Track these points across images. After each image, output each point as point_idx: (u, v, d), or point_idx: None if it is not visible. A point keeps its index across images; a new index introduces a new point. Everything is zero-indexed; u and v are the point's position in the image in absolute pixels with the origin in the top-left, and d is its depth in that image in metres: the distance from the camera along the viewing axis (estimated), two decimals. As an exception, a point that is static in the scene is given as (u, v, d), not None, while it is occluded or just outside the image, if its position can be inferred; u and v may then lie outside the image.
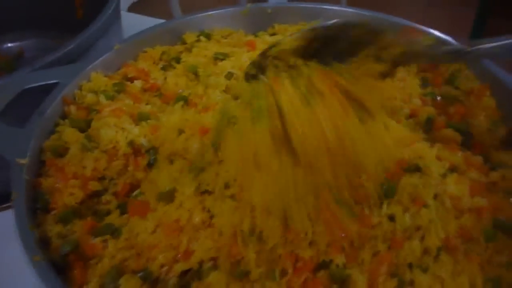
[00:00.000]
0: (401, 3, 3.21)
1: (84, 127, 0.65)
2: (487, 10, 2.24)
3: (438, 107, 0.69)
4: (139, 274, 0.49)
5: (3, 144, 0.61)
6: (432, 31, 0.79)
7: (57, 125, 0.66)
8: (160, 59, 0.80)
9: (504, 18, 2.95)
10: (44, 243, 0.52)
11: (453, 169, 0.58)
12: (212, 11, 0.84)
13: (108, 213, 0.56)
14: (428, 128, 0.65)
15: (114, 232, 0.52)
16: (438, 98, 0.71)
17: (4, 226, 0.82)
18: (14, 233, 0.79)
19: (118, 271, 0.49)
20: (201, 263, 0.49)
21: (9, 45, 1.25)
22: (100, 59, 0.76)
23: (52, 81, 0.71)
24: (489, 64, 0.71)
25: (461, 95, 0.72)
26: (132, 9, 2.88)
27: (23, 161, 0.58)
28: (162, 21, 1.18)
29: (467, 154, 0.61)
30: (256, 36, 0.84)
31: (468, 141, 0.64)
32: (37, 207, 0.56)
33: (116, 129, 0.61)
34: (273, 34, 0.84)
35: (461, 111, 0.70)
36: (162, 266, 0.49)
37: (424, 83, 0.74)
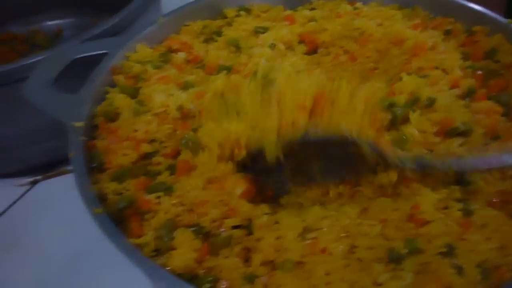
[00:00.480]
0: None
1: (133, 93, 0.68)
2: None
3: (478, 80, 0.70)
4: (192, 229, 0.51)
5: (59, 109, 0.64)
6: (461, 1, 0.79)
7: (106, 92, 0.69)
8: (201, 33, 0.82)
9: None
10: (101, 199, 0.55)
11: (495, 137, 0.59)
12: (254, -14, 0.86)
13: (159, 173, 0.58)
14: (469, 99, 0.66)
15: (167, 189, 0.54)
16: (479, 72, 0.71)
17: (52, 194, 0.89)
18: (62, 200, 0.86)
19: (173, 225, 0.51)
20: (250, 219, 0.51)
21: (48, 23, 1.29)
22: (145, 31, 0.79)
23: (101, 51, 0.74)
24: (532, 38, 0.71)
25: (501, 68, 0.72)
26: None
27: (79, 124, 0.61)
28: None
29: (508, 125, 0.62)
30: (295, 11, 0.85)
31: (509, 113, 0.64)
32: (92, 167, 0.59)
33: (166, 94, 0.63)
34: (312, 9, 0.85)
35: (501, 84, 0.70)
36: (213, 221, 0.51)
37: (465, 56, 0.74)
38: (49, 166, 0.93)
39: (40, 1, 1.25)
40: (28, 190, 0.91)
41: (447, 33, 0.78)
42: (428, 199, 0.48)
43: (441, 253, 0.45)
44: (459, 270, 0.44)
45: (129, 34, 0.79)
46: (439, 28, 0.78)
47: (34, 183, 0.92)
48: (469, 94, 0.66)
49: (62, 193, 0.87)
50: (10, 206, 0.88)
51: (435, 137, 0.55)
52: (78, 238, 0.79)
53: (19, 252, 0.81)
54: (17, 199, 0.89)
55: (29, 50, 1.22)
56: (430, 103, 0.61)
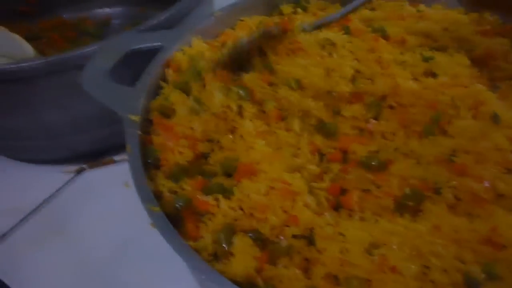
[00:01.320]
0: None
1: (188, 90, 0.66)
2: None
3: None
4: (250, 235, 0.49)
5: (115, 101, 0.63)
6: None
7: (161, 87, 0.68)
8: (257, 28, 0.80)
9: None
10: (156, 196, 0.54)
11: None
12: (311, -18, 0.83)
13: (215, 174, 0.57)
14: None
15: (226, 191, 0.53)
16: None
17: (97, 182, 0.89)
18: (106, 190, 0.86)
19: (231, 229, 0.49)
20: (312, 229, 0.49)
21: (98, 11, 1.29)
22: (200, 25, 0.77)
23: (157, 44, 0.73)
24: None
25: None
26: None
27: (135, 117, 0.60)
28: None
29: None
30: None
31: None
32: (148, 162, 0.58)
33: (225, 94, 0.62)
34: (372, 9, 0.82)
35: None
36: (272, 228, 0.50)
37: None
38: (96, 155, 0.93)
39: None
40: (73, 178, 0.92)
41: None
42: (506, 221, 0.45)
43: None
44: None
45: (183, 27, 0.78)
46: (510, 36, 0.74)
47: (79, 171, 0.92)
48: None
49: (107, 182, 0.88)
50: (56, 193, 0.89)
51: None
52: (122, 229, 0.79)
53: (64, 239, 0.81)
54: (62, 187, 0.90)
55: (77, 37, 1.23)
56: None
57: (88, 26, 1.25)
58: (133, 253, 0.77)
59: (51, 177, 0.92)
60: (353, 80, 0.65)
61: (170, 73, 0.70)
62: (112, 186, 0.80)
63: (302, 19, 0.80)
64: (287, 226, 0.49)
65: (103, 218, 0.83)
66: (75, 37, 1.23)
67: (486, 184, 0.48)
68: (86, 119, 0.86)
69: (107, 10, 1.28)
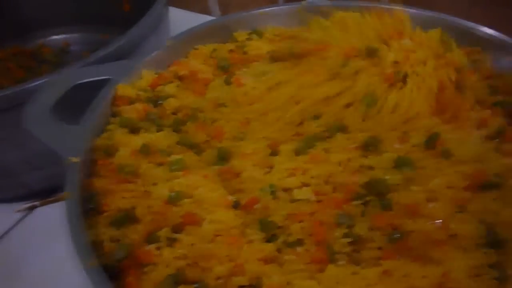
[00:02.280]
0: (444, 2, 3.11)
1: (134, 127, 0.63)
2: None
3: (509, 117, 0.64)
4: (195, 286, 0.46)
5: (55, 139, 0.60)
6: (481, 27, 0.74)
7: (108, 123, 0.65)
8: (211, 57, 0.78)
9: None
10: (96, 246, 0.50)
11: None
12: (267, 8, 0.81)
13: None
14: (499, 140, 0.60)
15: (170, 239, 0.49)
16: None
17: (50, 220, 0.84)
18: (60, 229, 0.81)
19: (174, 281, 0.46)
20: (259, 279, 0.46)
21: (55, 37, 1.25)
22: (151, 56, 0.74)
23: (104, 77, 0.69)
24: None
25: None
26: (169, 3, 2.87)
27: (76, 159, 0.57)
28: (208, 17, 1.17)
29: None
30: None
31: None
32: (89, 208, 0.54)
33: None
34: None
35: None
36: (218, 278, 0.47)
37: (492, 91, 0.69)
38: (51, 192, 0.88)
39: (46, 16, 1.22)
40: (25, 216, 0.87)
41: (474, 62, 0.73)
42: (459, 265, 0.43)
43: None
44: None
45: (136, 57, 0.75)
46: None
47: (31, 208, 0.87)
48: (498, 134, 0.61)
49: (61, 220, 0.84)
50: (6, 232, 0.84)
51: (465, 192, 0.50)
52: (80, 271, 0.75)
53: (18, 284, 0.77)
54: (12, 226, 0.85)
55: (36, 65, 1.19)
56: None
57: (46, 54, 1.21)
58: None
59: (3, 216, 0.87)
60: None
61: (120, 108, 0.67)
62: (52, 230, 0.77)
63: (257, 46, 0.78)
64: (234, 275, 0.46)
65: (58, 259, 0.78)
66: (34, 65, 1.19)
67: (438, 223, 0.46)
68: (40, 156, 0.81)
69: (65, 36, 1.25)
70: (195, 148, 0.61)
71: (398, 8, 0.76)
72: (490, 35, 0.75)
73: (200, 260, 0.47)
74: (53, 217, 0.84)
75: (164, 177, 0.55)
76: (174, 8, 1.36)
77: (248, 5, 3.68)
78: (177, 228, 0.51)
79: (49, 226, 0.83)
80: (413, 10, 0.79)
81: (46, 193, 0.89)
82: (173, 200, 0.51)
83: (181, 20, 1.01)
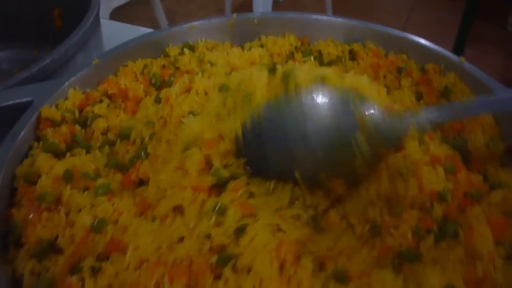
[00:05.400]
0: (384, 9, 3.22)
1: (59, 152, 0.61)
2: (472, 15, 2.24)
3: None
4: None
5: (-28, 169, 0.56)
6: (413, 37, 0.77)
7: (31, 148, 0.62)
8: (142, 73, 0.76)
9: (486, 20, 2.97)
10: (15, 282, 0.48)
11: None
12: (197, 21, 0.81)
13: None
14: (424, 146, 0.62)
15: (94, 269, 0.47)
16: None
17: None
18: None
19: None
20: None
21: (-17, 55, 1.19)
22: (78, 74, 0.72)
23: (26, 99, 0.66)
24: (484, 77, 0.68)
25: (456, 109, 0.69)
26: (114, 15, 2.82)
27: (-6, 190, 0.54)
28: (144, 29, 1.14)
29: (466, 173, 0.58)
30: (242, 48, 0.80)
31: (466, 159, 0.61)
32: (8, 241, 0.52)
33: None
34: (261, 46, 0.81)
35: (457, 127, 0.67)
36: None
37: (418, 96, 0.72)
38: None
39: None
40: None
41: (399, 71, 0.75)
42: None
43: None
44: None
45: (63, 77, 0.72)
46: (392, 66, 0.75)
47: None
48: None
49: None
50: None
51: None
52: None
53: None
54: None
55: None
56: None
57: (-27, 73, 1.15)
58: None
59: None
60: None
61: (44, 132, 0.64)
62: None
63: (190, 60, 0.77)
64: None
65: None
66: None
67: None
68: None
69: (-6, 53, 1.19)
70: (124, 169, 0.60)
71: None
72: (416, 42, 0.77)
73: (126, 289, 0.46)
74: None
75: (88, 203, 0.53)
76: (109, 21, 1.34)
77: (195, 13, 3.66)
78: (102, 256, 0.49)
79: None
80: (336, 19, 0.80)
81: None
82: (96, 228, 0.49)
83: (116, 33, 0.99)
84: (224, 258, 0.45)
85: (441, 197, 0.54)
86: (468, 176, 0.58)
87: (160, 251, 0.47)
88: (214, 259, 0.45)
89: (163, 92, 0.67)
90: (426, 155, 0.58)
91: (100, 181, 0.55)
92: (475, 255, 0.49)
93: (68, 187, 0.54)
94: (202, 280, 0.44)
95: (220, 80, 0.63)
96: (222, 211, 0.48)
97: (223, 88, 0.59)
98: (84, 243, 0.49)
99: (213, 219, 0.47)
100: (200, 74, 0.68)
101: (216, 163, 0.53)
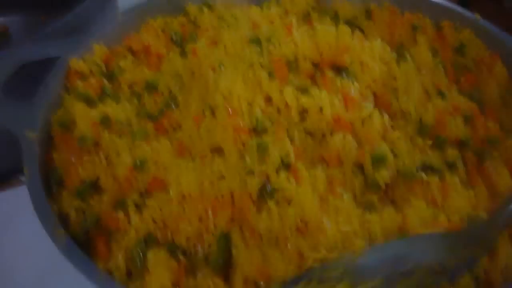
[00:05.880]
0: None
1: (92, 101, 0.63)
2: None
3: (449, 76, 0.69)
4: (166, 248, 0.47)
5: (9, 118, 0.58)
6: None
7: (62, 99, 0.64)
8: (163, 31, 0.77)
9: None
10: (62, 219, 0.50)
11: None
12: (215, -20, 0.81)
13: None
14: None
15: (138, 205, 0.50)
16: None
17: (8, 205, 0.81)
18: (20, 214, 0.79)
19: (145, 245, 0.47)
20: (227, 236, 0.48)
21: (-8, 20, 1.19)
22: (102, 30, 0.73)
23: (54, 53, 0.68)
24: (500, 34, 0.71)
25: (471, 64, 0.72)
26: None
27: (32, 134, 0.56)
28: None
29: (484, 121, 0.61)
30: (261, 7, 0.81)
31: (482, 109, 0.64)
32: (50, 183, 0.54)
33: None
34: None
35: (472, 80, 0.70)
36: (188, 239, 0.48)
37: (434, 53, 0.74)
38: (4, 176, 0.85)
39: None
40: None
41: (414, 29, 0.77)
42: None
43: None
44: None
45: (84, 34, 0.73)
46: (407, 24, 0.77)
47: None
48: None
49: (15, 207, 0.81)
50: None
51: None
52: (37, 261, 0.73)
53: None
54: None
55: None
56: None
57: (-17, 39, 1.15)
58: (56, 282, 0.72)
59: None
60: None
61: (75, 83, 0.65)
62: (20, 211, 0.75)
63: (210, 18, 0.78)
64: (203, 235, 0.48)
65: (13, 250, 0.76)
66: (-28, 50, 1.13)
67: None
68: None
69: (3, 19, 1.18)
70: (155, 118, 0.62)
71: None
72: (431, 0, 0.79)
73: (169, 223, 0.48)
74: (6, 204, 0.83)
75: (127, 146, 0.55)
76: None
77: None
78: (145, 195, 0.51)
79: (6, 213, 0.81)
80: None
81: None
82: (139, 167, 0.52)
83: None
84: (267, 192, 0.47)
85: (463, 143, 0.57)
86: (485, 123, 0.61)
87: (202, 187, 0.49)
88: (256, 193, 0.48)
89: (189, 46, 0.69)
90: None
91: (136, 127, 0.57)
92: (495, 193, 0.52)
93: (106, 132, 0.56)
94: (246, 212, 0.46)
95: (248, 34, 0.65)
96: (264, 149, 0.50)
97: (254, 41, 0.61)
98: (127, 181, 0.51)
99: (256, 156, 0.50)
100: (226, 27, 0.69)
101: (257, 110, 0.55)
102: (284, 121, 0.54)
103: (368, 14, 0.81)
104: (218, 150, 0.53)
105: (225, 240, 0.47)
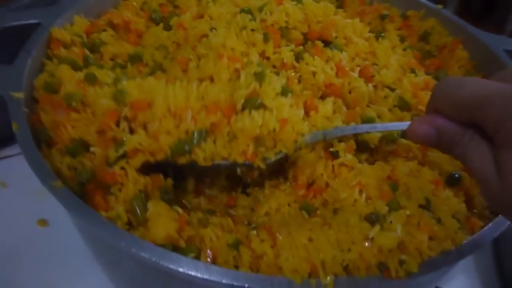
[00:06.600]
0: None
1: (76, 66, 0.62)
2: None
3: (416, 60, 0.74)
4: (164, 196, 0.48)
5: (-8, 80, 0.56)
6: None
7: (43, 64, 0.62)
8: (142, 9, 0.78)
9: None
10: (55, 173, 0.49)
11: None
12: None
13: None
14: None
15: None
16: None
17: None
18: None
19: (145, 196, 0.47)
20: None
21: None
22: (81, 3, 0.72)
23: (33, 21, 0.66)
24: (460, 22, 0.77)
25: (435, 50, 0.78)
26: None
27: (18, 94, 0.54)
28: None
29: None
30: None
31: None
32: (39, 142, 0.52)
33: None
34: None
35: (436, 64, 0.75)
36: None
37: (401, 39, 0.79)
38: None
39: None
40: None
41: (383, 18, 0.82)
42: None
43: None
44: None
45: (63, 5, 0.72)
46: (376, 13, 0.82)
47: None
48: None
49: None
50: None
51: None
52: (10, 232, 0.72)
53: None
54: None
55: None
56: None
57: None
58: (28, 256, 0.70)
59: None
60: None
61: (59, 50, 0.64)
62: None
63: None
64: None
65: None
66: None
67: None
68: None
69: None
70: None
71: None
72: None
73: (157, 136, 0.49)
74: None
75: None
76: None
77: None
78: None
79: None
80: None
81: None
82: (119, 97, 0.51)
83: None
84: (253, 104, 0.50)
85: None
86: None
87: (188, 101, 0.50)
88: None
89: (174, 20, 0.69)
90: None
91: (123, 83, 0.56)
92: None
93: (92, 88, 0.55)
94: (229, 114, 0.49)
95: (232, 9, 0.67)
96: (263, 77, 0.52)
97: (245, 11, 0.62)
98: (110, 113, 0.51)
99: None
100: (211, 2, 0.71)
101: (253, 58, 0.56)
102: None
103: (340, 2, 0.85)
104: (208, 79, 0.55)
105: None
